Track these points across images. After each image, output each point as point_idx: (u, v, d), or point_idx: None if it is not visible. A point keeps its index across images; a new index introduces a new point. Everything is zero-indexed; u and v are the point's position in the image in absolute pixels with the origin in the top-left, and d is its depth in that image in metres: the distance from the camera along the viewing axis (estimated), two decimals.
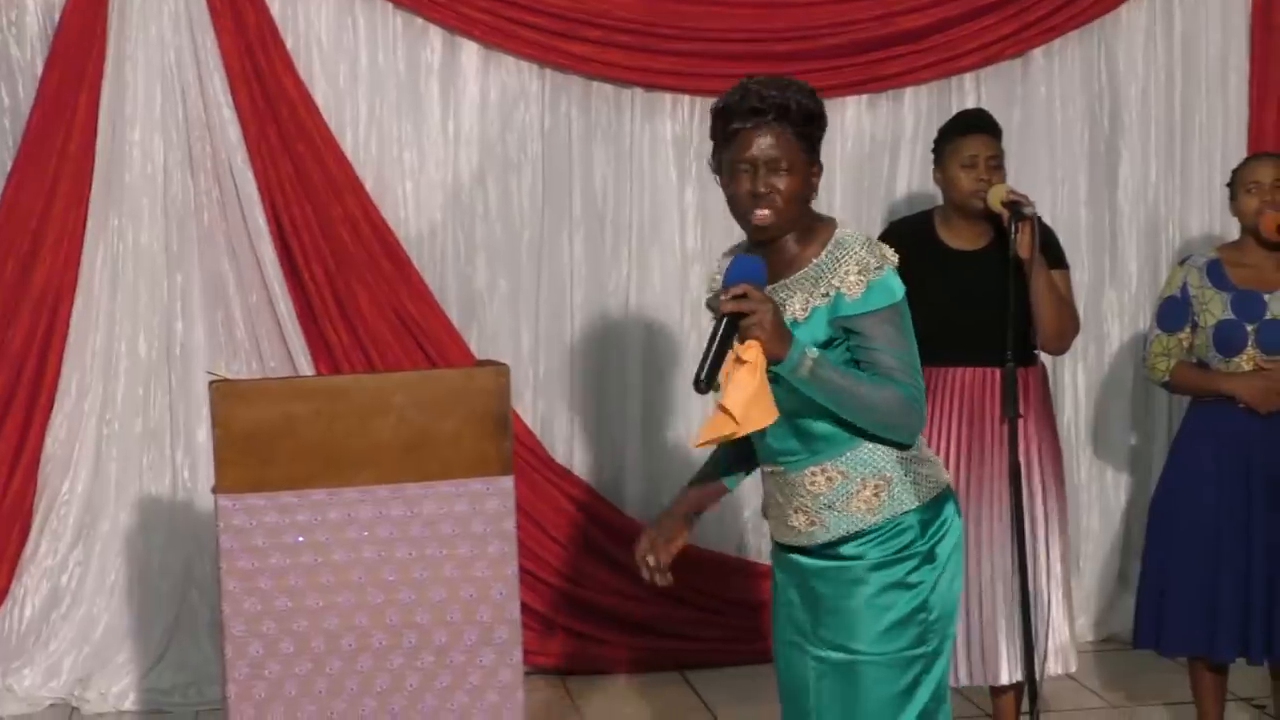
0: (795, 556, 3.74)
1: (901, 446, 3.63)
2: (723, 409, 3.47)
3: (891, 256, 3.60)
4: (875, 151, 6.71)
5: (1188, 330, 5.35)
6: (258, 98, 6.27)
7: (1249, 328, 5.25)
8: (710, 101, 6.41)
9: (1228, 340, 5.27)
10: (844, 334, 3.57)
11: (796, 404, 3.57)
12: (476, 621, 4.71)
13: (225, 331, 6.36)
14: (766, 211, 3.58)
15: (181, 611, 6.32)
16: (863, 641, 3.64)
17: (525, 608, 4.84)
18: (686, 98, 6.58)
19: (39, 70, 6.24)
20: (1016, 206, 5.06)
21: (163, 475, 6.37)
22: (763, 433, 3.60)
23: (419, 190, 6.49)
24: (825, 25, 6.57)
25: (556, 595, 6.47)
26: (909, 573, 3.64)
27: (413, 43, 6.46)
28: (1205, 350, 5.32)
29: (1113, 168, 6.86)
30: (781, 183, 3.57)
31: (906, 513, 3.64)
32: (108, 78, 6.24)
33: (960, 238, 5.31)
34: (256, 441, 4.63)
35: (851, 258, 3.56)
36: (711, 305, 3.56)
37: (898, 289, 3.58)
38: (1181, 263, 5.46)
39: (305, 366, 6.28)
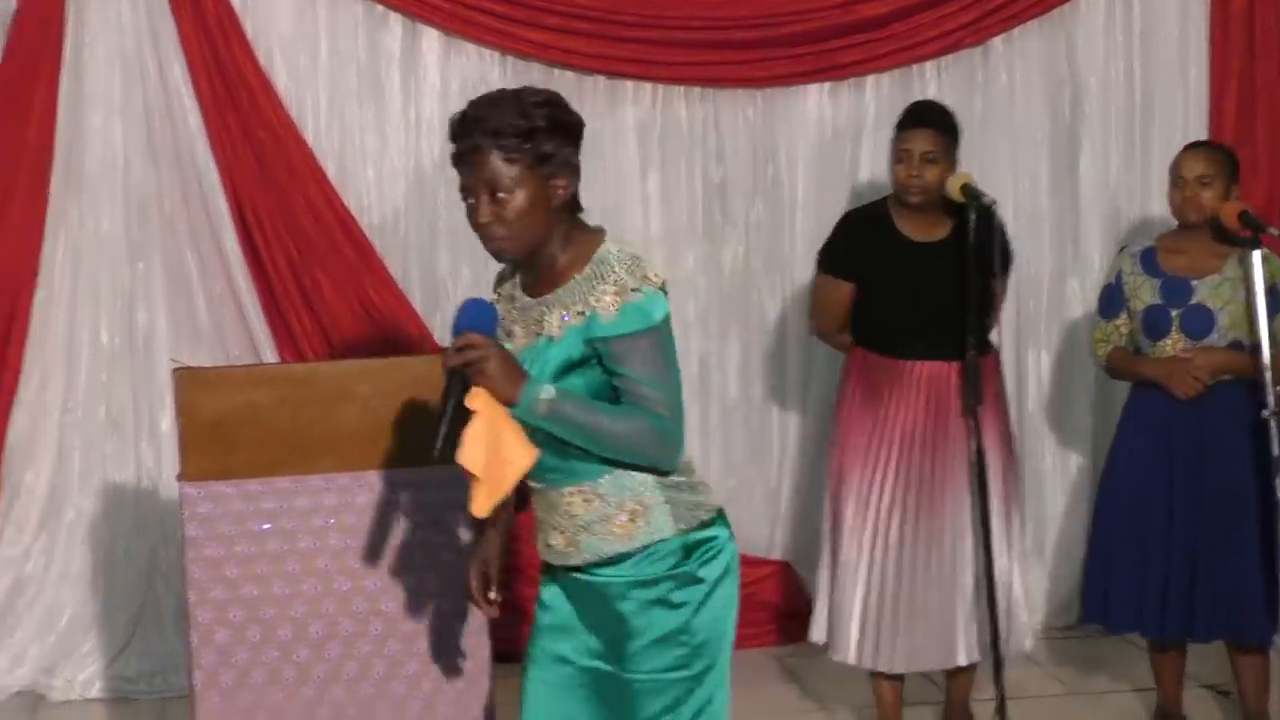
0: (560, 571, 3.66)
1: (662, 472, 3.53)
2: (466, 471, 3.40)
3: (655, 278, 3.47)
4: (837, 140, 6.72)
5: (1124, 316, 5.49)
6: (218, 85, 6.24)
7: (1174, 313, 5.39)
8: (672, 89, 6.45)
9: (1154, 325, 5.41)
10: (598, 354, 3.47)
11: None
12: (442, 610, 4.72)
13: (188, 320, 6.34)
14: (494, 244, 3.49)
15: (147, 600, 6.31)
16: (624, 658, 3.56)
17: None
18: (648, 85, 6.59)
19: None
20: (975, 196, 5.10)
21: (126, 463, 6.35)
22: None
23: (381, 178, 6.48)
24: (785, 13, 6.59)
25: (524, 582, 6.47)
26: (670, 591, 3.54)
27: (373, 30, 6.44)
28: (1137, 335, 5.46)
29: (1074, 156, 6.88)
30: (505, 206, 3.45)
31: (664, 540, 3.53)
32: (67, 64, 6.21)
33: (918, 229, 5.35)
34: (221, 429, 4.64)
35: (610, 277, 3.44)
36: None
37: (656, 312, 3.44)
38: (1120, 251, 5.63)
39: (269, 355, 6.27)
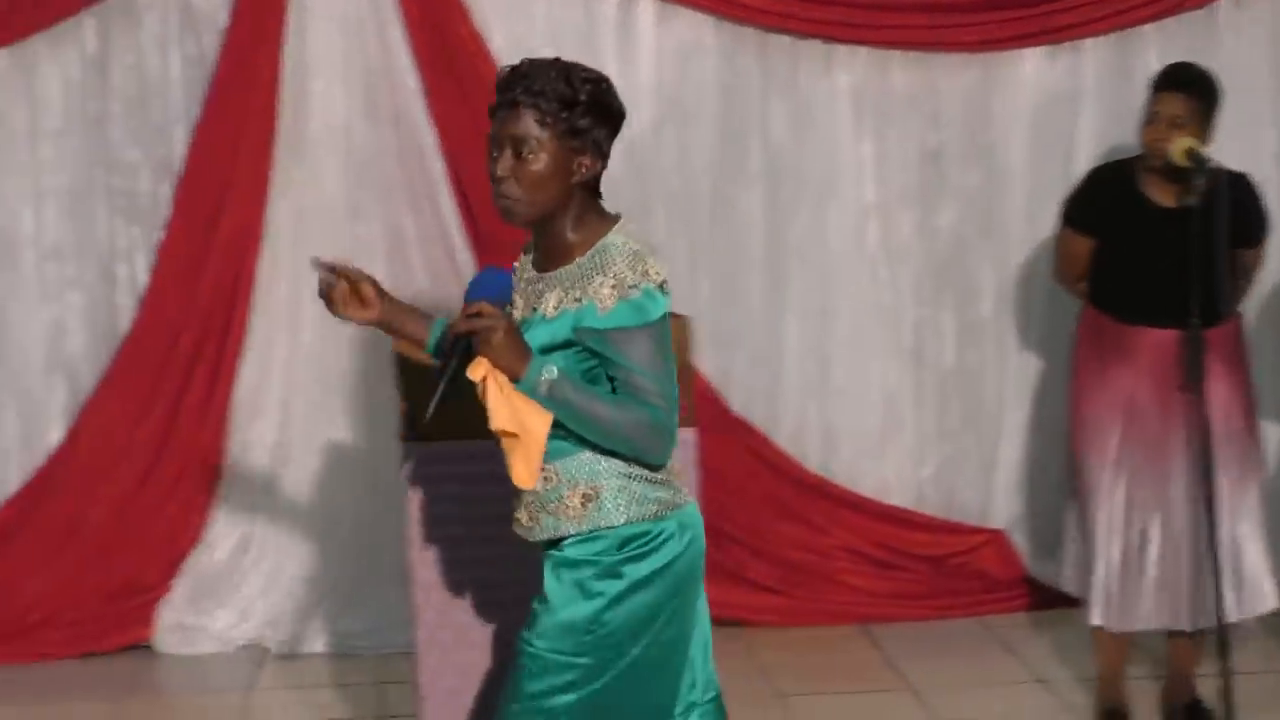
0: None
1: (645, 463, 3.52)
2: (504, 433, 3.42)
3: (655, 275, 3.45)
4: (1054, 105, 6.63)
5: None
6: (435, 48, 6.32)
7: None
8: (887, 54, 6.40)
9: None
10: (585, 346, 3.46)
11: None
12: None
13: (406, 282, 6.43)
14: (505, 199, 3.49)
15: (369, 557, 6.43)
16: (532, 627, 3.56)
17: (707, 559, 4.85)
18: (863, 49, 6.55)
19: (223, 22, 6.33)
20: (1200, 162, 5.01)
21: (351, 423, 6.46)
22: None
23: None
24: None
25: (736, 547, 6.50)
26: (589, 579, 3.52)
27: None
28: None
29: None
30: (525, 166, 3.46)
31: (611, 527, 3.51)
32: (290, 28, 6.32)
33: (1163, 194, 5.27)
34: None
35: (610, 270, 3.44)
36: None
37: (653, 309, 3.44)
38: None
39: None
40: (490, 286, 3.53)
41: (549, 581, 3.55)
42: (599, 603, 3.50)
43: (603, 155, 3.54)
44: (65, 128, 6.42)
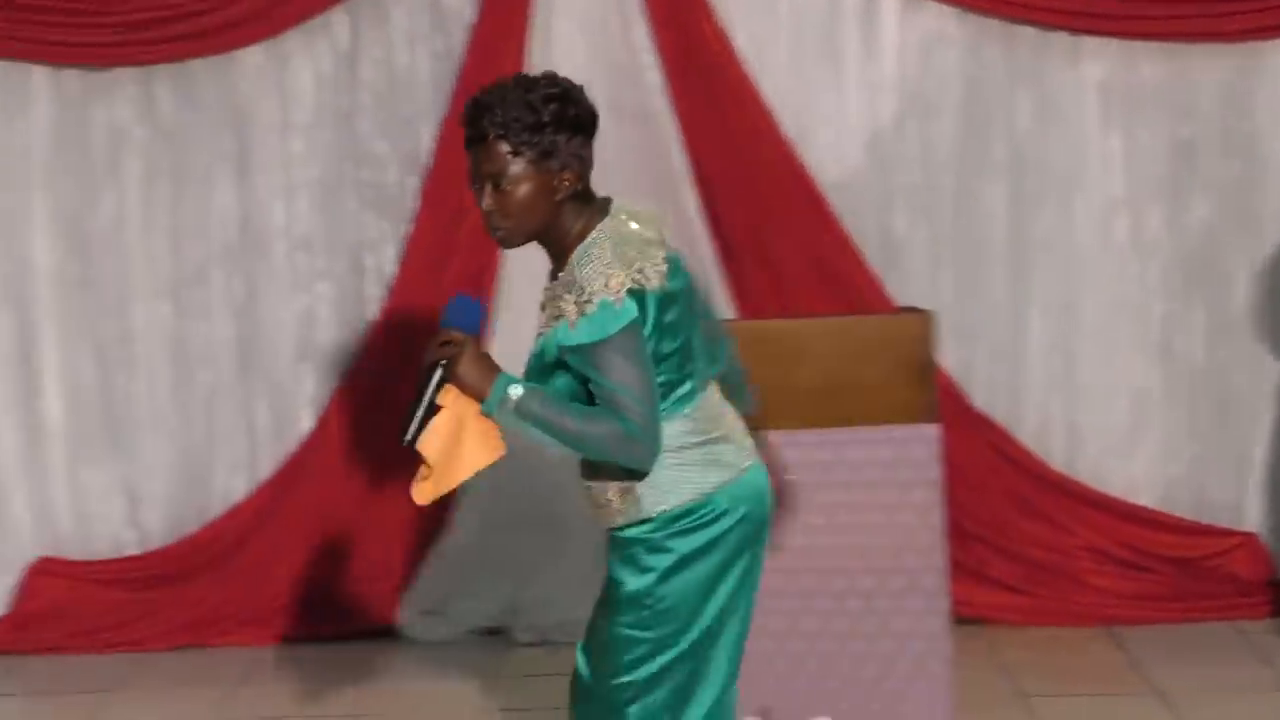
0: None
1: (688, 446, 3.55)
2: (424, 457, 3.44)
3: (614, 285, 3.42)
4: None
5: None
6: (679, 44, 6.34)
7: None
8: (1136, 45, 6.26)
9: None
10: (566, 360, 3.48)
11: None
12: (903, 568, 4.73)
13: None
14: (497, 233, 3.54)
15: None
16: (606, 604, 3.64)
17: (949, 557, 4.82)
18: (1113, 40, 6.43)
19: (470, 18, 6.42)
20: None
21: None
22: None
23: (839, 136, 6.49)
24: None
25: (978, 544, 6.44)
26: (640, 555, 3.58)
27: None
28: None
29: None
30: (508, 198, 3.49)
31: (649, 518, 3.57)
32: (535, 25, 6.38)
33: None
34: None
35: (573, 287, 3.45)
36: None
37: (610, 322, 3.41)
38: None
39: (725, 311, 6.35)
40: (459, 314, 3.54)
41: (610, 562, 3.64)
42: (650, 577, 3.56)
43: (583, 163, 3.55)
44: (316, 121, 6.56)
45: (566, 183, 3.52)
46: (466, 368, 3.44)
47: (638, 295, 3.44)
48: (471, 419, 3.45)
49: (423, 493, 3.50)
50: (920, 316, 4.83)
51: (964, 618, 6.25)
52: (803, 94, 6.47)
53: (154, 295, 6.66)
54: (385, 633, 6.51)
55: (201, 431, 6.68)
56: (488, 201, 3.52)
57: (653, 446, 3.47)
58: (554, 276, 3.56)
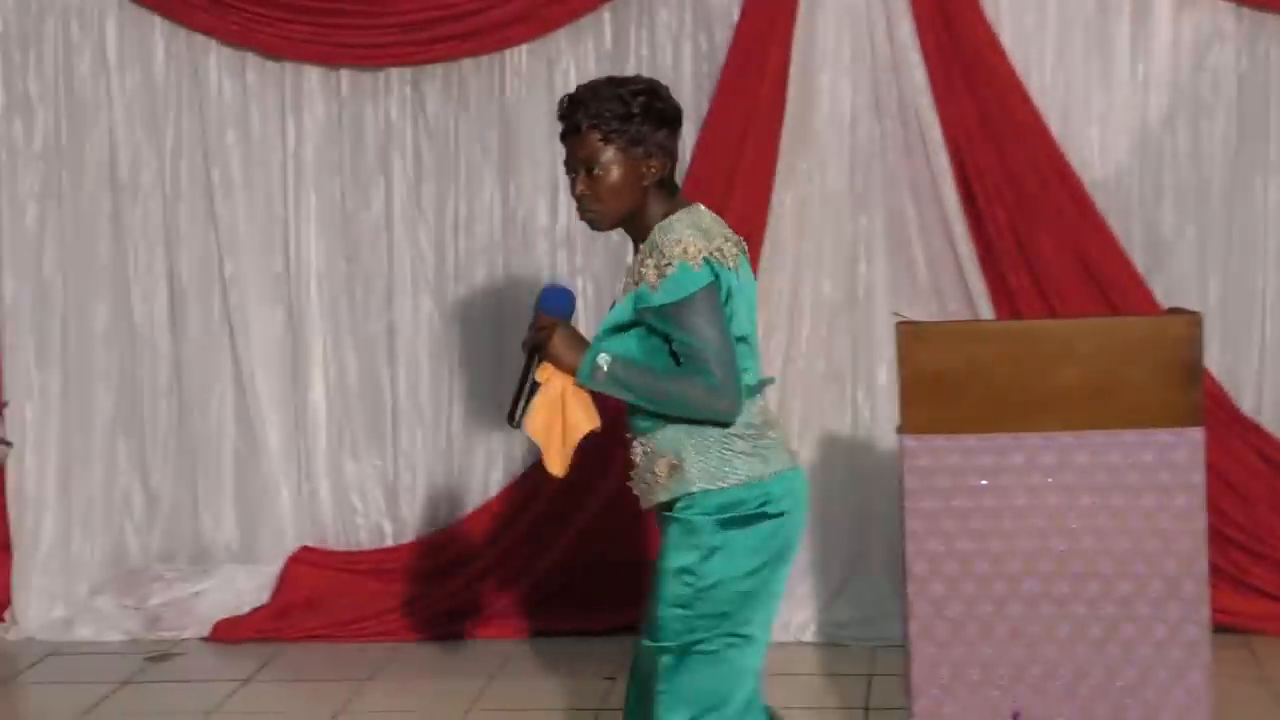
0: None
1: (720, 424, 3.78)
2: (534, 435, 3.84)
3: (693, 252, 3.73)
4: None
5: None
6: (944, 41, 6.28)
7: None
8: None
9: None
10: (646, 320, 3.78)
11: None
12: (1162, 574, 4.62)
13: (907, 274, 6.41)
14: (589, 215, 3.87)
15: (860, 548, 6.42)
16: (655, 588, 3.85)
17: (1210, 564, 4.69)
18: None
19: (734, 16, 6.42)
20: None
21: (844, 414, 6.48)
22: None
23: (1105, 134, 6.36)
24: None
25: (1241, 552, 6.25)
26: (689, 534, 3.80)
27: None
28: None
29: None
30: (598, 182, 3.83)
31: (693, 493, 3.79)
32: (800, 22, 6.36)
33: None
34: (941, 384, 4.66)
35: (654, 254, 3.78)
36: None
37: (691, 283, 3.72)
38: None
39: (985, 310, 6.26)
40: (551, 301, 3.88)
41: (662, 541, 3.87)
42: (694, 556, 3.79)
43: (668, 154, 3.87)
44: None
45: (653, 170, 3.84)
46: (559, 345, 3.80)
47: (713, 268, 3.75)
48: (570, 392, 3.82)
49: (554, 464, 3.86)
50: (1187, 318, 4.71)
51: (1223, 625, 6.08)
52: (1070, 91, 6.36)
53: (418, 291, 6.77)
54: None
55: (460, 425, 6.77)
56: (581, 186, 3.85)
57: (735, 400, 3.75)
58: (637, 245, 3.88)
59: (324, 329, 6.81)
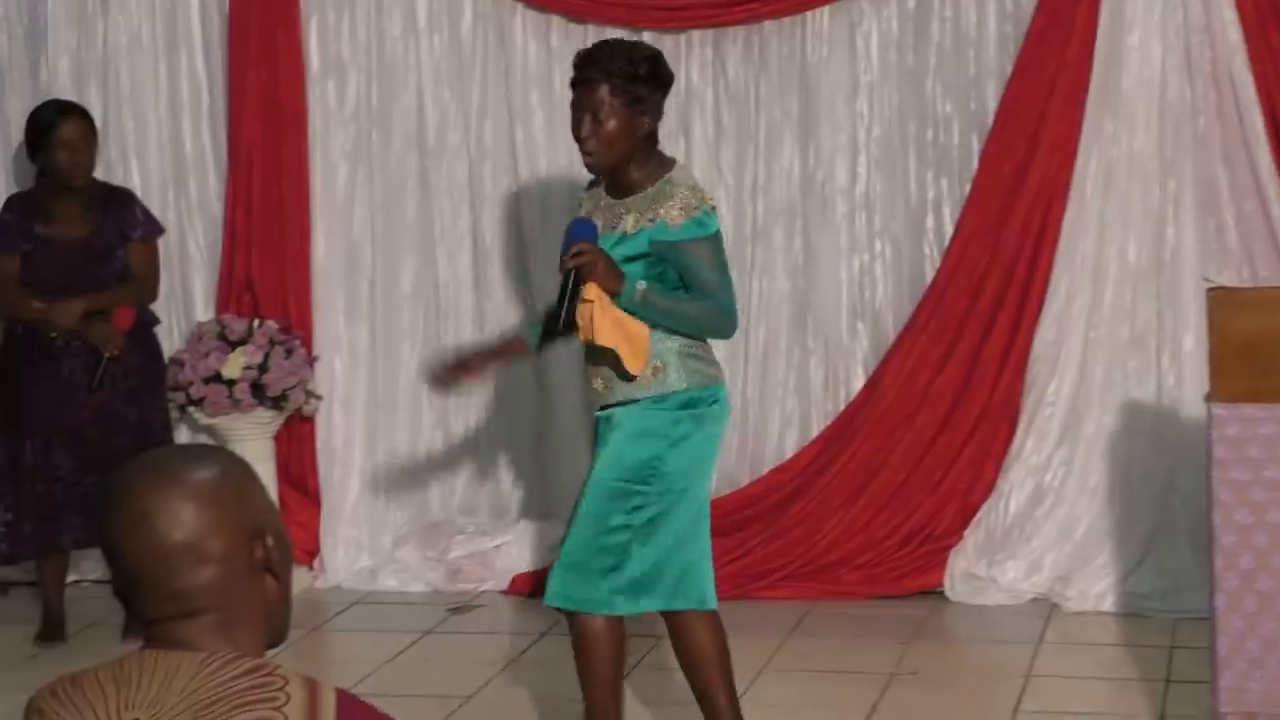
0: (597, 410, 4.68)
1: (702, 348, 4.59)
2: (609, 347, 4.45)
3: (709, 201, 4.57)
4: None
5: None
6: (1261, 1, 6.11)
7: None
8: None
9: None
10: (659, 255, 4.50)
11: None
12: None
13: (1216, 238, 6.26)
14: (588, 156, 4.57)
15: (1162, 518, 6.30)
16: (610, 464, 4.55)
17: None
18: None
19: None
20: None
21: (1147, 381, 6.36)
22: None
23: None
24: None
25: None
26: (660, 426, 4.53)
27: None
28: None
29: None
30: (601, 127, 4.50)
31: (674, 392, 4.54)
32: None
33: None
34: (1253, 351, 4.55)
35: (677, 196, 4.52)
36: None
37: (712, 225, 4.54)
38: None
39: None
40: (585, 231, 4.51)
41: (622, 430, 4.55)
42: (662, 444, 4.54)
43: (658, 113, 4.60)
44: (882, 81, 6.58)
45: (645, 124, 4.55)
46: (605, 268, 4.44)
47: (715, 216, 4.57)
48: (604, 314, 4.43)
49: (636, 362, 4.49)
50: None
51: None
52: None
53: None
54: (932, 594, 6.50)
55: (755, 387, 6.79)
56: (585, 129, 4.52)
57: (735, 322, 4.61)
58: (613, 195, 4.60)
59: None
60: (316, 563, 6.93)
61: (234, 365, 6.63)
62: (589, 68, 4.53)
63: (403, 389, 6.95)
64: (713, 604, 4.69)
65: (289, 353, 6.75)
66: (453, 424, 6.98)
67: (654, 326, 4.49)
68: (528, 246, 6.87)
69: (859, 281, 6.68)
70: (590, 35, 6.75)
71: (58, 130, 6.23)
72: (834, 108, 6.62)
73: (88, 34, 6.94)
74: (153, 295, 6.48)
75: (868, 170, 6.62)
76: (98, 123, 6.50)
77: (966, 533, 6.50)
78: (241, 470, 2.24)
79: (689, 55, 6.72)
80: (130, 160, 6.96)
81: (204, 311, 6.97)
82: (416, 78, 6.86)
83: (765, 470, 6.76)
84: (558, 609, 4.70)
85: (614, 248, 4.51)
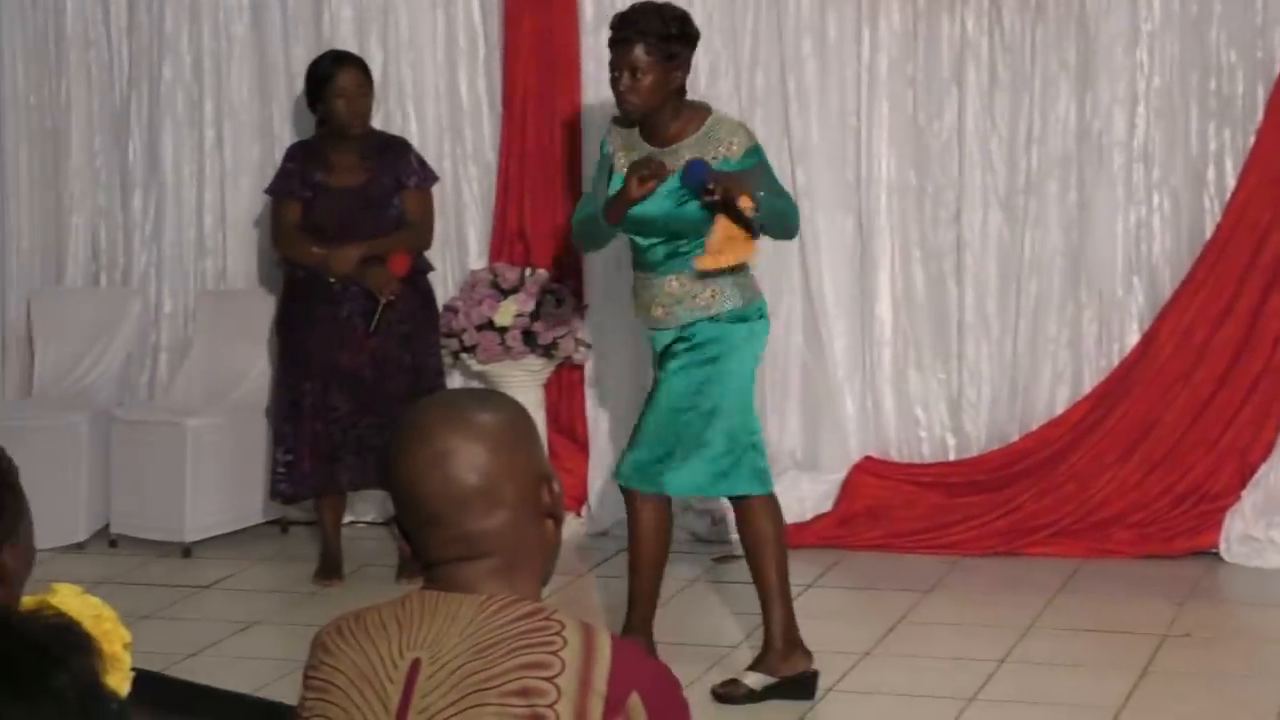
0: (656, 332, 5.28)
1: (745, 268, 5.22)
2: (741, 240, 5.04)
3: (753, 134, 5.25)
4: None
5: None
6: None
7: None
8: None
9: None
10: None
11: (678, 228, 5.12)
12: None
13: None
14: (626, 106, 5.14)
15: None
16: (676, 356, 5.20)
17: None
18: None
19: None
20: None
21: None
22: (644, 245, 5.22)
23: None
24: None
25: None
26: (722, 336, 5.16)
27: None
28: None
29: None
30: (639, 82, 5.07)
31: (729, 310, 5.15)
32: None
33: None
34: None
35: (731, 133, 5.15)
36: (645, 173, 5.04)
37: (760, 151, 5.19)
38: None
39: None
40: (705, 166, 5.01)
41: (692, 344, 5.17)
42: (725, 349, 5.16)
43: (688, 67, 5.16)
44: (1163, 30, 6.42)
45: (677, 78, 5.12)
46: (743, 185, 4.94)
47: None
48: (734, 232, 5.01)
49: (705, 262, 5.05)
50: None
51: None
52: None
53: (987, 205, 6.71)
54: (1206, 554, 6.36)
55: (1026, 341, 6.69)
56: (625, 84, 5.08)
57: (798, 219, 5.36)
58: (651, 142, 5.16)
59: (892, 241, 6.83)
60: (584, 509, 7.01)
61: (506, 313, 6.73)
62: (625, 28, 5.08)
63: None
64: (770, 487, 5.28)
65: (559, 301, 6.83)
66: None
67: (761, 229, 5.06)
68: (800, 196, 6.83)
69: (1135, 235, 6.55)
70: None
71: (335, 80, 6.36)
72: (1112, 57, 6.49)
73: None
74: (427, 242, 6.60)
75: (1146, 121, 6.48)
76: (376, 72, 6.64)
77: (1244, 493, 6.35)
78: (525, 416, 2.28)
79: (964, 5, 6.64)
80: (408, 109, 7.08)
81: (477, 259, 7.08)
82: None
83: (1035, 425, 6.67)
84: (623, 487, 5.33)
85: (668, 188, 5.07)
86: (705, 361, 5.18)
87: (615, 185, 5.13)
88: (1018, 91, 6.62)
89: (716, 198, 4.94)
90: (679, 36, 5.09)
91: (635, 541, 5.31)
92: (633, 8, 5.17)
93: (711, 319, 5.17)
